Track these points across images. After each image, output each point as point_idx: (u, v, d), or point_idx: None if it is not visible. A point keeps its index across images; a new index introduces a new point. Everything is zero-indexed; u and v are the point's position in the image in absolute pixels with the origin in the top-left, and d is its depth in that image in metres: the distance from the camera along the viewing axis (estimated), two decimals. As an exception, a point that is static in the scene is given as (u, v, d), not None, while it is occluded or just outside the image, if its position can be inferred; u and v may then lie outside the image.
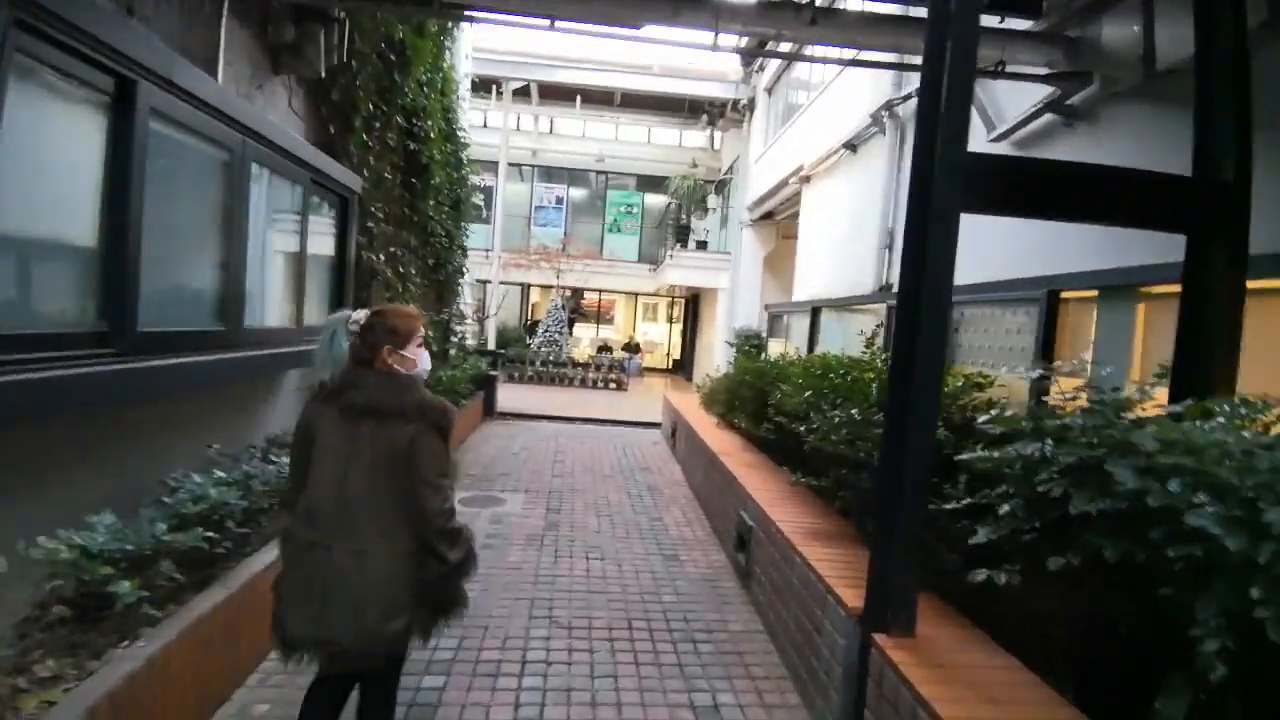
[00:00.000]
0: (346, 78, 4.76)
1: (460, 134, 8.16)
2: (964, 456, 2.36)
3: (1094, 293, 3.47)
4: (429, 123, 6.24)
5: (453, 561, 1.87)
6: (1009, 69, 4.26)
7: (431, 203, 6.75)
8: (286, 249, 3.77)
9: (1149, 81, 3.70)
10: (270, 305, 3.66)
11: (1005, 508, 2.19)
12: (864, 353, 4.86)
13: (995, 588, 2.13)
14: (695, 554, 4.59)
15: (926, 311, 2.24)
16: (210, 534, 2.51)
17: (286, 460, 3.40)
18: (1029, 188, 2.41)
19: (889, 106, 6.62)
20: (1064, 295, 3.64)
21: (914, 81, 6.30)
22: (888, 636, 2.27)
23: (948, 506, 2.47)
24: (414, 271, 6.38)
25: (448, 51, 7.21)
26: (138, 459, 2.91)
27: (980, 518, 2.37)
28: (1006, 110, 4.88)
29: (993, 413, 2.43)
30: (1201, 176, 2.66)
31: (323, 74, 4.40)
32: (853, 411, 3.15)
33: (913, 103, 6.34)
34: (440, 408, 1.91)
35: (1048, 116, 4.21)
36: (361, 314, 1.95)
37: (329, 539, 1.81)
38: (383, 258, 5.36)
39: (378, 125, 5.15)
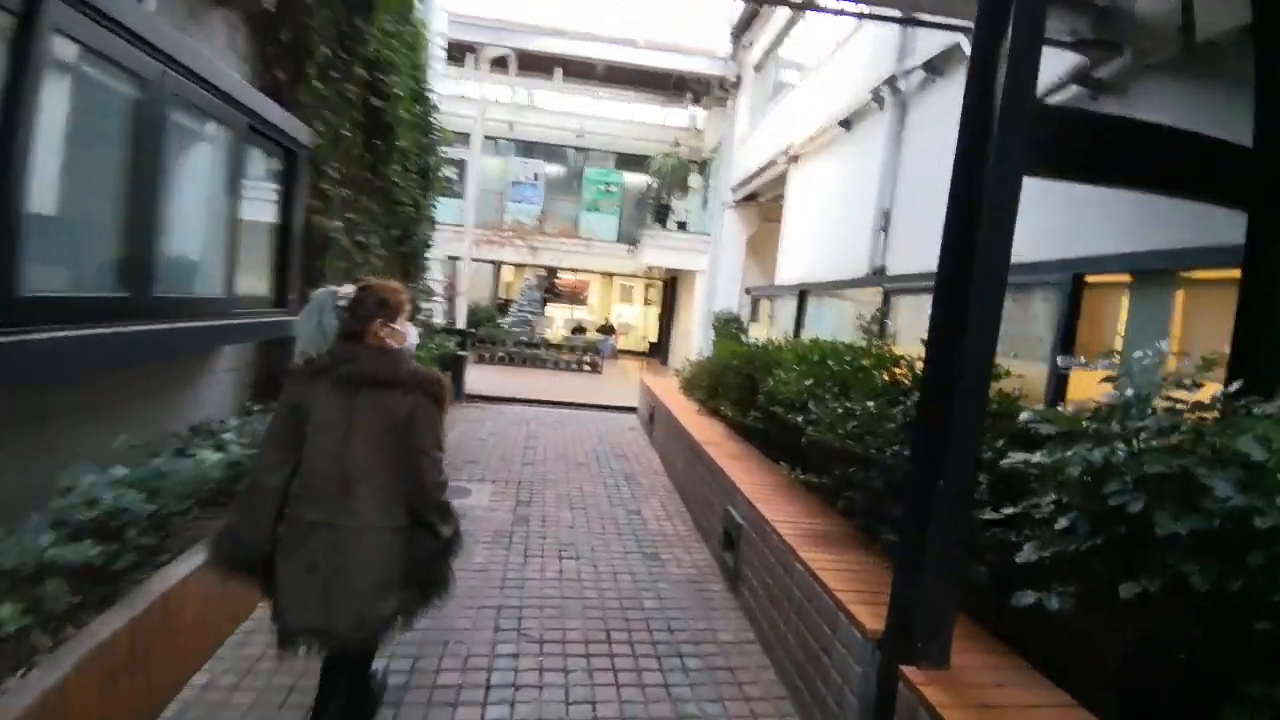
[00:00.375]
0: (299, 17, 4.21)
1: (431, 96, 7.58)
2: (1009, 461, 2.03)
3: (1125, 278, 3.18)
4: (395, 78, 5.69)
5: (445, 536, 1.89)
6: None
7: (397, 168, 6.20)
8: (216, 206, 3.26)
9: (1186, 54, 3.39)
10: (193, 270, 3.16)
11: (1063, 521, 1.87)
12: (862, 339, 4.54)
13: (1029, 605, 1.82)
14: (678, 551, 4.25)
15: (978, 295, 1.88)
16: (105, 546, 2.06)
17: (207, 454, 2.98)
18: (1102, 147, 2.07)
19: (891, 81, 6.26)
20: (1089, 280, 3.34)
21: (920, 53, 5.96)
22: (918, 669, 1.94)
23: (983, 517, 2.14)
24: (376, 242, 5.85)
25: (418, 3, 6.62)
26: (28, 455, 2.43)
27: (1015, 527, 2.07)
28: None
29: (1038, 409, 2.11)
30: (1264, 149, 2.36)
31: (271, 7, 3.86)
32: (868, 404, 2.80)
33: (916, 76, 6.00)
34: (435, 379, 1.92)
35: (1073, 88, 3.89)
36: (349, 289, 1.95)
37: (331, 517, 1.79)
38: (340, 224, 4.84)
39: (335, 75, 4.60)
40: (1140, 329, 3.06)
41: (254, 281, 3.65)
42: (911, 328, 5.07)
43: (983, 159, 1.97)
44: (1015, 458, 2.01)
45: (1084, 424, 1.90)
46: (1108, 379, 1.90)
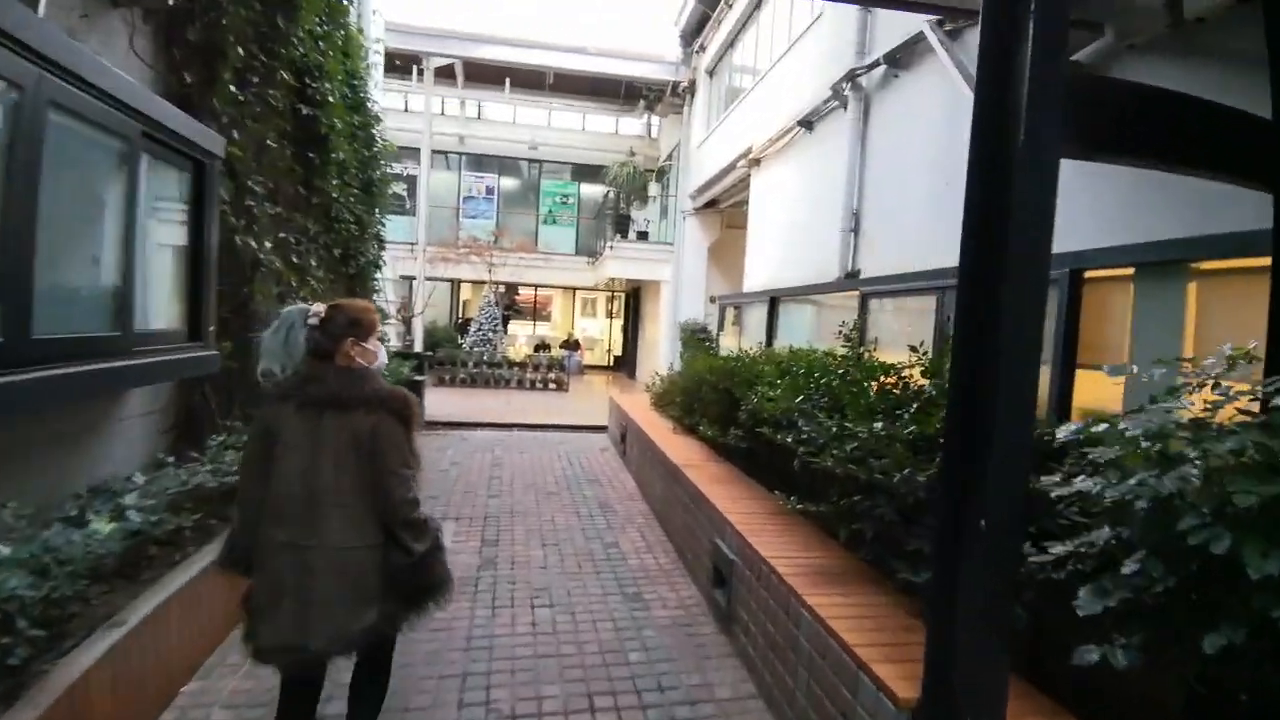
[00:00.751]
0: (211, 15, 3.76)
1: (372, 107, 7.12)
2: (1060, 491, 1.73)
3: (1128, 271, 2.96)
4: (327, 85, 5.23)
5: (418, 553, 1.88)
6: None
7: (336, 182, 5.73)
8: (109, 228, 2.79)
9: (1171, 32, 3.23)
10: (81, 305, 2.68)
11: (1130, 566, 1.57)
12: (841, 346, 4.27)
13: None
14: (661, 589, 3.88)
15: (1014, 293, 1.58)
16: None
17: (101, 525, 2.52)
18: (1128, 119, 1.80)
19: (851, 77, 6.08)
20: (1088, 275, 3.12)
21: (880, 46, 5.78)
22: (970, 750, 1.61)
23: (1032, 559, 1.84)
24: (314, 263, 5.36)
25: (351, 7, 6.17)
26: None
27: (1057, 562, 1.77)
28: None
29: (1079, 425, 1.82)
30: (1286, 123, 2.14)
31: (170, 1, 3.41)
32: (874, 425, 2.49)
33: (879, 71, 5.82)
34: (401, 396, 1.92)
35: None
36: (320, 307, 1.96)
37: (299, 538, 1.80)
38: (269, 244, 4.36)
39: (255, 79, 4.14)
40: (1148, 327, 2.84)
41: (161, 314, 3.16)
42: (894, 332, 4.83)
43: (1004, 140, 1.68)
44: (1065, 489, 1.71)
45: (1142, 445, 1.61)
46: (1174, 390, 1.62)
